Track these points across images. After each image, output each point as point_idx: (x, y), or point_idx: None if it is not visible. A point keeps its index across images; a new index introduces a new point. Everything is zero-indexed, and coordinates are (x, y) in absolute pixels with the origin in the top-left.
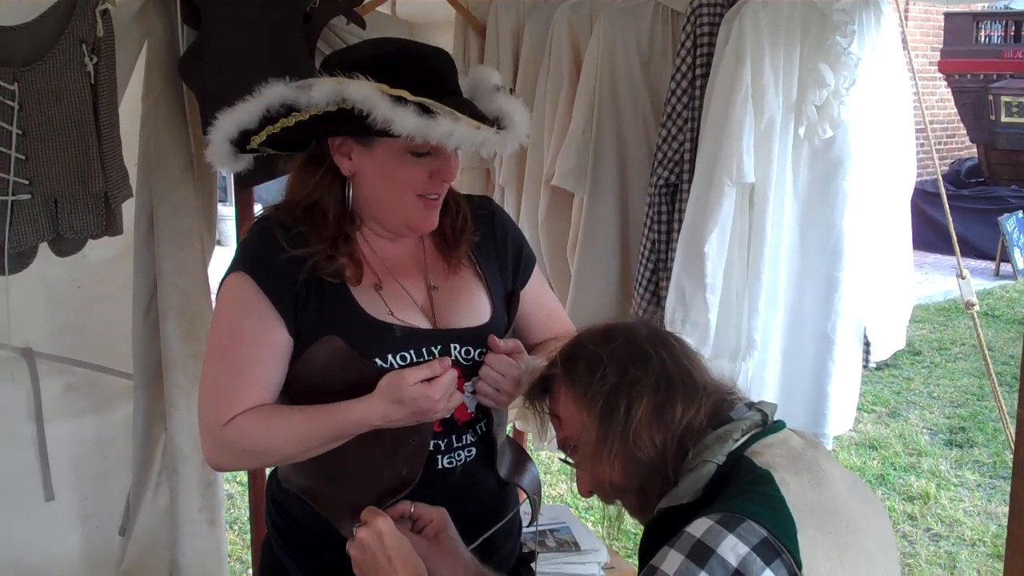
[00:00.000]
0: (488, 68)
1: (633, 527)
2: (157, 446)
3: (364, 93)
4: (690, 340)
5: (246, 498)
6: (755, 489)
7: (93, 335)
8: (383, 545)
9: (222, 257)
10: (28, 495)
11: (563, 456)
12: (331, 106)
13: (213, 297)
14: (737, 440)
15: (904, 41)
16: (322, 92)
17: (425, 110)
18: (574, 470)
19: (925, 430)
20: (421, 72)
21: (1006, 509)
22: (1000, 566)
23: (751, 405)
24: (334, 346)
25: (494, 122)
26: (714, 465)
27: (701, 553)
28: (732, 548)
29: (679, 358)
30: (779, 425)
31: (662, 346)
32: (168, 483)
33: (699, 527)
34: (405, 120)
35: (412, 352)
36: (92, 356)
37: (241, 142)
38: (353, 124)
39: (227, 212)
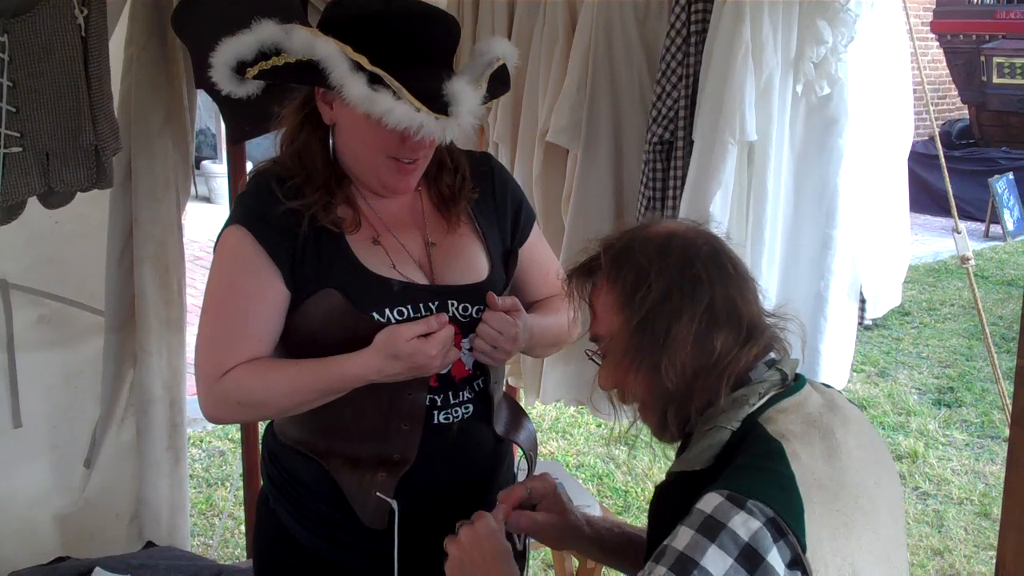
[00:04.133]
0: (497, 40)
1: (623, 484)
2: (124, 384)
3: (328, 52)
4: None
5: (238, 455)
6: (765, 464)
7: (68, 270)
8: (483, 548)
9: (212, 214)
10: None
11: (590, 351)
12: (305, 56)
13: (197, 251)
14: (753, 405)
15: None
16: (298, 40)
17: (376, 80)
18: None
19: (914, 390)
20: (398, 37)
21: (993, 468)
22: (987, 524)
23: (771, 363)
24: (331, 300)
25: (445, 105)
26: (728, 432)
27: (712, 528)
28: (743, 523)
29: (731, 290)
30: (800, 383)
31: (717, 272)
32: (134, 419)
33: (709, 503)
34: (353, 89)
35: (409, 307)
36: (66, 290)
37: (240, 71)
38: (324, 78)
39: (218, 169)
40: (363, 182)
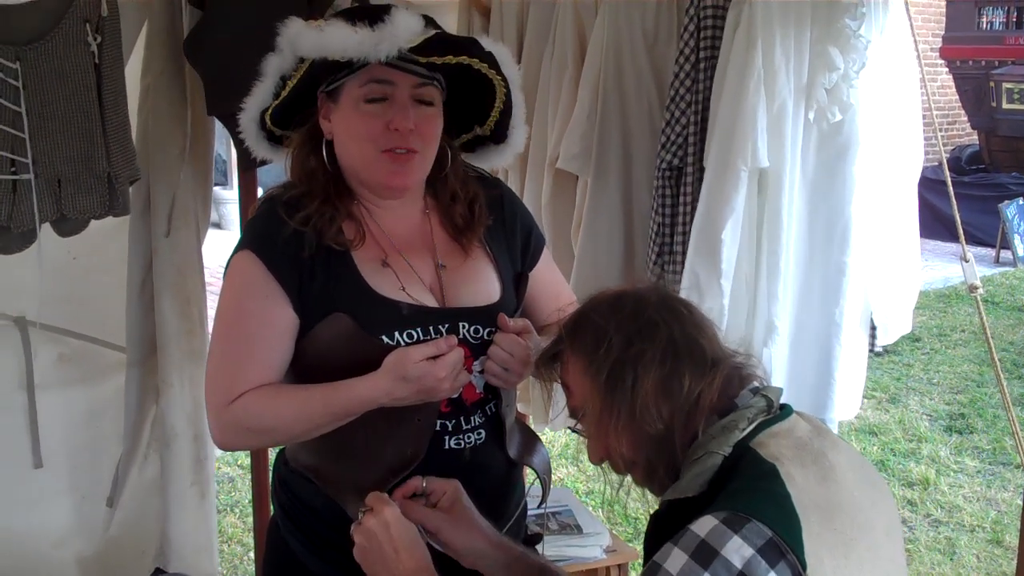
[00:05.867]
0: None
1: (634, 512)
2: (147, 419)
3: (293, 30)
4: None
5: (247, 481)
6: (760, 485)
7: (87, 306)
8: (390, 536)
9: (222, 241)
10: (19, 462)
11: (572, 425)
12: (298, 60)
13: (208, 277)
14: (743, 430)
15: (911, 25)
16: (283, 45)
17: (320, 31)
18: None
19: (925, 416)
20: (363, 10)
21: (1006, 495)
22: (999, 551)
23: (756, 391)
24: (341, 323)
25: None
26: (720, 457)
27: (705, 554)
28: (737, 550)
29: (688, 328)
30: (786, 411)
31: (671, 315)
32: (157, 455)
33: (703, 526)
34: (306, 40)
35: (419, 330)
36: (85, 327)
37: (264, 123)
38: (320, 73)
39: (228, 195)
40: (365, 185)
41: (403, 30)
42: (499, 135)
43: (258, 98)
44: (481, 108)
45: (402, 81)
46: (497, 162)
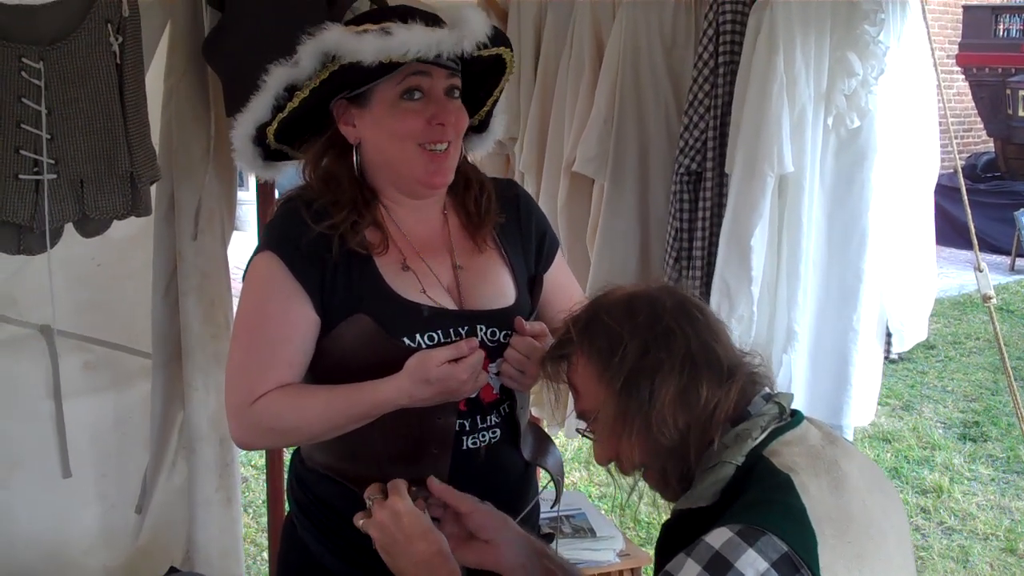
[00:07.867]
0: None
1: (647, 516)
2: (174, 425)
3: (334, 37)
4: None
5: (261, 481)
6: (775, 497)
7: (112, 313)
8: (402, 525)
9: (239, 242)
10: (47, 472)
11: (581, 428)
12: (318, 68)
13: (232, 280)
14: (756, 439)
15: (928, 32)
16: (306, 53)
17: (386, 33)
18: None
19: (939, 424)
20: (396, 11)
21: (1019, 503)
22: (1013, 560)
23: (768, 397)
24: (362, 325)
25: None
26: (733, 467)
27: (719, 566)
28: (751, 563)
29: (704, 336)
30: (798, 418)
31: (687, 321)
32: (185, 462)
33: (718, 538)
34: (367, 46)
35: (439, 332)
36: (111, 334)
37: (261, 139)
38: (342, 79)
39: (245, 197)
40: (400, 188)
41: (479, 27)
42: (482, 124)
43: (254, 113)
44: (470, 99)
45: (437, 73)
46: (479, 150)
